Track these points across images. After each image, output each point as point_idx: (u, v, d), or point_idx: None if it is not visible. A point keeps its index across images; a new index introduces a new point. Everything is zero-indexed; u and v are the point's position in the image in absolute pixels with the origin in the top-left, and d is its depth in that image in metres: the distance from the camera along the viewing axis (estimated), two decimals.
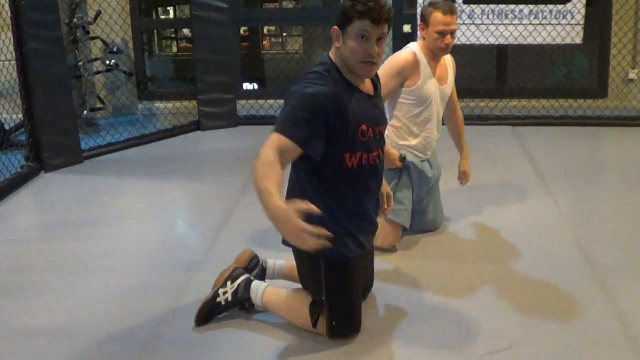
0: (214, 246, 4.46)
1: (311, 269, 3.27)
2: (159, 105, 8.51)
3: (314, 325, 3.26)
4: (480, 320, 3.43)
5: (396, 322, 3.44)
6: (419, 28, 4.24)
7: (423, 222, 4.57)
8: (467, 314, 3.50)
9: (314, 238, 2.65)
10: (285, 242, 3.23)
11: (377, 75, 3.38)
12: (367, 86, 3.25)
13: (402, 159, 4.24)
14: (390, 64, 4.11)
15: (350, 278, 3.26)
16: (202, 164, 6.68)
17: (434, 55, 4.21)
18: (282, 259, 3.70)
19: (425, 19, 4.13)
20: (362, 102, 3.15)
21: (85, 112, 7.59)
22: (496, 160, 6.41)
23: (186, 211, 5.49)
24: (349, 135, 3.08)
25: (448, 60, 4.42)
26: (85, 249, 4.51)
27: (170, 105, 8.40)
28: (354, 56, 3.05)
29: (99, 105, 7.88)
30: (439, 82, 4.28)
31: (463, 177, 4.75)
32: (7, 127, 6.96)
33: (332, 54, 3.16)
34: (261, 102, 8.17)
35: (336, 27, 3.07)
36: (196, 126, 7.84)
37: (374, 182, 3.31)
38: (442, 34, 4.07)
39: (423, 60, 4.18)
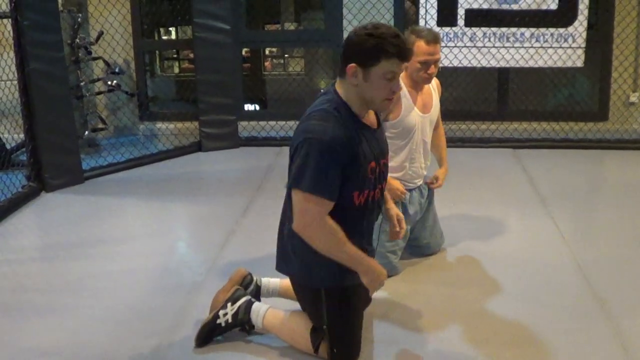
0: (214, 267, 4.45)
1: (311, 298, 3.27)
2: (161, 125, 8.51)
3: (316, 351, 3.26)
4: (477, 345, 3.42)
5: (385, 346, 3.43)
6: None
7: (419, 247, 4.55)
8: (460, 341, 3.49)
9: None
10: (279, 269, 3.32)
11: None
12: (371, 118, 3.22)
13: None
14: None
15: (350, 306, 3.26)
16: (202, 185, 6.67)
17: (416, 84, 4.10)
18: (276, 278, 3.70)
19: None
20: (370, 138, 3.12)
21: (87, 132, 7.59)
22: (496, 183, 6.41)
23: (187, 232, 5.49)
24: (359, 175, 3.06)
25: (432, 84, 4.29)
26: (85, 269, 4.50)
27: (171, 125, 8.40)
28: (378, 95, 3.00)
29: (101, 126, 7.87)
30: (422, 111, 4.17)
31: (434, 181, 4.46)
32: (8, 146, 6.96)
33: (339, 88, 3.09)
34: (262, 123, 8.17)
35: (354, 65, 2.95)
36: (197, 147, 7.84)
37: (375, 216, 3.34)
38: (426, 64, 3.97)
39: (403, 90, 4.04)
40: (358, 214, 3.15)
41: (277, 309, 3.47)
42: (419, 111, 4.14)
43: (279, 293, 3.70)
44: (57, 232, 5.31)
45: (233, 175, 6.94)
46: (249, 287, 3.64)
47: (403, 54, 2.93)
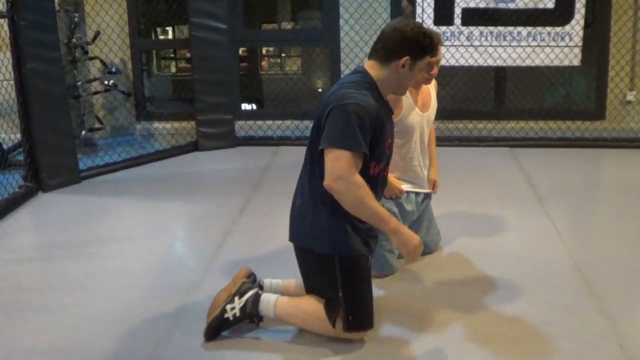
0: (212, 267, 4.45)
1: (326, 267, 3.37)
2: (157, 125, 8.50)
3: (333, 325, 3.37)
4: (475, 343, 3.42)
5: (383, 345, 3.43)
6: None
7: None
8: (458, 339, 3.50)
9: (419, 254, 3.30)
10: (293, 239, 3.51)
11: None
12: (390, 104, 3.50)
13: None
14: None
15: (362, 273, 3.39)
16: (200, 185, 6.67)
17: (417, 84, 4.11)
18: (277, 279, 3.75)
19: None
20: (389, 118, 3.42)
21: (84, 132, 7.58)
22: (494, 182, 6.41)
23: (184, 231, 5.48)
24: (380, 147, 3.30)
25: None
26: (82, 269, 4.50)
27: (168, 125, 8.40)
28: (411, 83, 3.43)
29: (97, 125, 7.87)
30: (422, 109, 4.20)
31: (432, 186, 4.54)
32: (5, 146, 6.96)
33: (372, 70, 3.35)
34: (259, 122, 8.17)
35: (408, 57, 3.26)
36: (194, 146, 7.84)
37: (381, 192, 3.52)
38: (430, 66, 3.96)
39: None
40: (370, 183, 3.26)
41: (286, 297, 3.53)
42: (418, 110, 4.15)
43: (281, 292, 3.71)
44: (54, 232, 5.30)
45: (230, 174, 6.93)
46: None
47: (439, 47, 3.49)
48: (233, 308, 3.46)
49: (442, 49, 7.51)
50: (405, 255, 3.29)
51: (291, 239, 3.52)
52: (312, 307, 3.44)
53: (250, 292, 3.50)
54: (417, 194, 4.33)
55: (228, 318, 3.46)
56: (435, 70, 4.04)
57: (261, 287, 3.70)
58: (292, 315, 3.48)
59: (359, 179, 3.15)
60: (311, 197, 3.35)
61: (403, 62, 3.25)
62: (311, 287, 3.52)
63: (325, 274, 3.38)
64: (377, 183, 3.37)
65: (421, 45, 3.26)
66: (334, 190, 3.15)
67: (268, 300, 3.49)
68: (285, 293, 3.70)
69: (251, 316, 3.49)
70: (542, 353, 3.32)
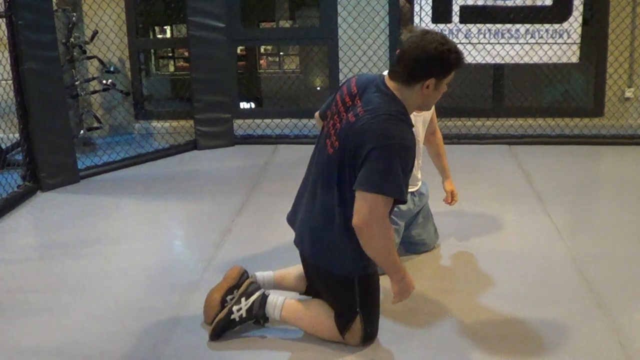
0: (210, 266, 4.45)
1: (345, 287, 3.34)
2: (156, 124, 8.49)
3: (343, 336, 3.38)
4: (474, 341, 3.42)
5: (381, 343, 3.44)
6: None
7: (413, 244, 4.55)
8: (457, 337, 3.50)
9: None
10: (314, 261, 3.42)
11: None
12: None
13: None
14: None
15: (376, 289, 3.42)
16: (198, 184, 6.67)
17: None
18: (269, 270, 3.77)
19: None
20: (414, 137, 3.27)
21: (82, 132, 7.58)
22: (492, 179, 6.41)
23: (183, 230, 5.48)
24: (411, 172, 3.28)
25: None
26: (81, 268, 4.50)
27: (166, 124, 8.39)
28: (436, 100, 3.31)
29: (96, 125, 7.87)
30: (416, 111, 4.19)
31: (451, 197, 4.62)
32: (3, 146, 6.95)
33: (395, 90, 3.19)
34: (258, 121, 8.17)
35: (434, 79, 3.13)
36: (193, 145, 7.84)
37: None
38: None
39: None
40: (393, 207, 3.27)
41: (293, 300, 3.53)
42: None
43: (274, 284, 3.75)
44: (53, 231, 5.30)
45: (229, 173, 6.93)
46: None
47: (461, 64, 3.19)
48: (240, 309, 3.47)
49: None
50: (397, 296, 3.33)
51: (304, 253, 3.48)
52: (320, 314, 3.44)
53: (257, 294, 3.50)
54: (412, 193, 4.33)
55: (234, 319, 3.46)
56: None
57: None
58: (299, 319, 3.48)
59: (390, 227, 3.16)
60: (334, 223, 3.25)
61: (428, 83, 3.14)
62: (327, 300, 3.48)
63: (344, 294, 3.36)
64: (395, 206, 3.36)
65: (448, 64, 3.13)
66: (364, 233, 3.08)
67: (275, 303, 3.49)
68: (278, 283, 3.75)
69: (257, 317, 3.49)
70: (540, 350, 3.32)
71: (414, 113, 4.08)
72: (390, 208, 3.14)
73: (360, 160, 3.07)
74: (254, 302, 3.47)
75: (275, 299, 3.50)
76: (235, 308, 3.46)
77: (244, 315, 3.46)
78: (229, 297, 3.55)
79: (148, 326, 3.63)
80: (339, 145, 3.19)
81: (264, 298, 3.50)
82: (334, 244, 3.27)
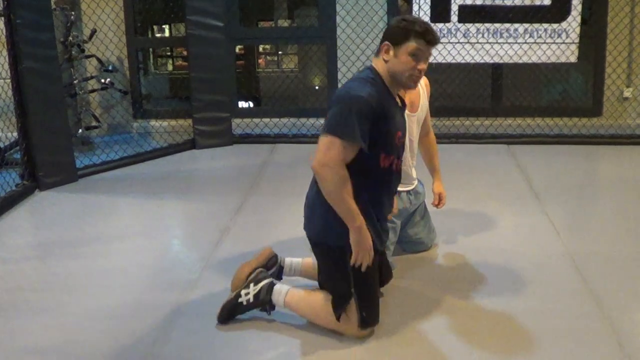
0: (208, 265, 4.44)
1: (338, 261, 3.41)
2: (154, 123, 8.49)
3: (338, 318, 3.43)
4: (472, 340, 3.42)
5: (379, 342, 3.44)
6: None
7: (410, 243, 4.55)
8: (454, 337, 3.50)
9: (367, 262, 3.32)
10: (305, 229, 3.55)
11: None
12: (400, 98, 3.58)
13: None
14: None
15: (372, 269, 3.43)
16: (197, 183, 6.67)
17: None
18: (298, 257, 3.88)
19: None
20: (397, 112, 3.47)
21: (80, 130, 7.58)
22: (490, 178, 6.41)
23: (181, 229, 5.48)
24: (388, 138, 3.36)
25: (421, 82, 4.27)
26: (80, 267, 4.50)
27: (165, 123, 8.39)
28: (404, 70, 3.34)
29: (94, 124, 7.86)
30: (410, 109, 4.17)
31: (439, 199, 4.54)
32: (1, 145, 6.94)
33: (376, 65, 3.42)
34: (256, 120, 8.17)
35: (387, 43, 3.34)
36: (191, 144, 7.84)
37: (395, 187, 3.59)
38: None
39: None
40: (381, 178, 3.40)
41: (298, 289, 3.62)
42: (406, 110, 4.13)
43: (301, 272, 3.91)
44: (51, 230, 5.30)
45: (227, 172, 6.93)
46: (272, 268, 3.83)
47: (430, 36, 3.31)
48: (247, 294, 3.60)
49: (439, 46, 7.64)
50: (354, 253, 3.31)
51: (304, 228, 3.58)
52: (319, 301, 3.52)
53: (265, 281, 3.63)
54: (408, 192, 4.33)
55: (242, 303, 3.60)
56: (422, 66, 4.02)
57: (282, 267, 3.88)
58: (298, 306, 3.58)
59: (344, 172, 3.22)
60: (320, 192, 3.36)
61: (383, 48, 3.37)
62: (324, 280, 3.62)
63: (338, 268, 3.43)
64: (390, 177, 3.48)
65: (398, 30, 3.32)
66: (318, 174, 3.25)
67: (280, 291, 3.60)
68: (304, 271, 3.91)
69: (264, 304, 3.60)
70: (538, 349, 3.33)
71: (407, 112, 4.10)
72: (349, 157, 3.24)
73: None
74: (261, 288, 3.59)
75: (281, 287, 3.62)
76: (243, 292, 3.61)
77: (251, 300, 3.58)
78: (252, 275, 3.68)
79: (146, 325, 3.63)
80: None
81: (271, 285, 3.61)
82: (323, 212, 3.37)
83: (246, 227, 5.18)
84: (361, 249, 3.29)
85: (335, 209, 3.27)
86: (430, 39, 3.31)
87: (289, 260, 3.91)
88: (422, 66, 3.33)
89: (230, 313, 3.61)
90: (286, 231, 3.80)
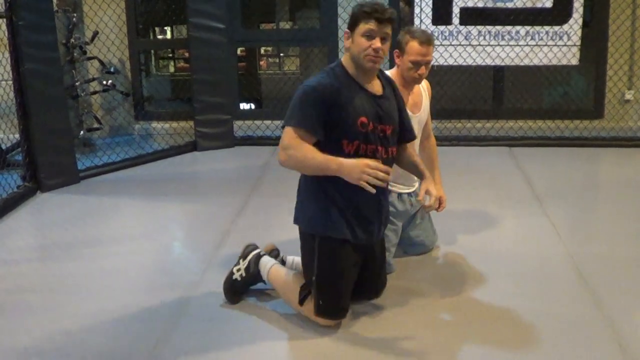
0: (210, 267, 4.44)
1: (308, 247, 3.56)
2: (156, 125, 8.50)
3: (300, 302, 3.56)
4: (473, 343, 3.42)
5: (379, 344, 3.44)
6: (394, 55, 4.16)
7: (411, 245, 4.54)
8: (455, 339, 3.50)
9: (374, 172, 3.23)
10: (296, 221, 3.63)
11: (392, 84, 3.70)
12: (374, 87, 3.55)
13: None
14: None
15: (339, 261, 3.51)
16: (198, 185, 6.67)
17: (407, 84, 4.14)
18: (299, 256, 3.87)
19: (401, 47, 4.08)
20: (365, 99, 3.47)
21: (82, 132, 7.59)
22: (492, 181, 6.41)
23: (182, 231, 5.48)
24: (347, 124, 3.40)
25: (422, 85, 4.34)
26: (81, 269, 4.49)
27: (166, 125, 8.40)
28: (361, 51, 3.39)
29: (96, 125, 7.87)
30: (412, 110, 4.19)
31: (439, 203, 4.32)
32: (3, 146, 6.95)
33: (343, 58, 3.54)
34: (258, 122, 8.18)
35: (347, 30, 3.45)
36: (193, 146, 7.84)
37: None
38: (417, 64, 4.02)
39: None
40: None
41: (280, 267, 3.79)
42: (408, 110, 4.15)
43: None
44: (52, 232, 5.30)
45: (228, 174, 6.93)
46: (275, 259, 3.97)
47: (378, 14, 3.35)
48: (239, 270, 3.84)
49: (441, 49, 7.66)
50: (356, 181, 3.27)
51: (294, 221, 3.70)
52: (292, 284, 3.64)
53: (252, 254, 3.87)
54: (409, 194, 4.33)
55: (236, 279, 3.84)
56: (423, 70, 4.06)
57: (284, 262, 4.00)
58: (276, 283, 3.77)
59: (301, 144, 3.35)
60: (302, 179, 3.58)
61: (345, 36, 3.49)
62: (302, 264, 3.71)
63: (308, 254, 3.57)
64: None
65: (351, 15, 3.42)
66: (281, 161, 3.41)
67: (265, 264, 3.83)
68: None
69: (255, 275, 3.83)
70: (539, 351, 3.32)
71: (409, 112, 4.10)
72: (305, 140, 3.36)
73: None
74: (249, 261, 3.84)
75: (267, 260, 3.85)
76: (235, 269, 3.86)
77: (243, 274, 3.83)
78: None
79: (148, 327, 3.63)
80: None
81: (258, 257, 3.86)
82: (303, 198, 3.57)
83: (247, 229, 5.18)
84: (358, 171, 3.26)
85: (311, 172, 3.43)
86: (378, 17, 3.34)
87: (290, 258, 4.03)
88: (377, 44, 3.36)
89: (232, 292, 3.83)
90: (287, 233, 3.81)
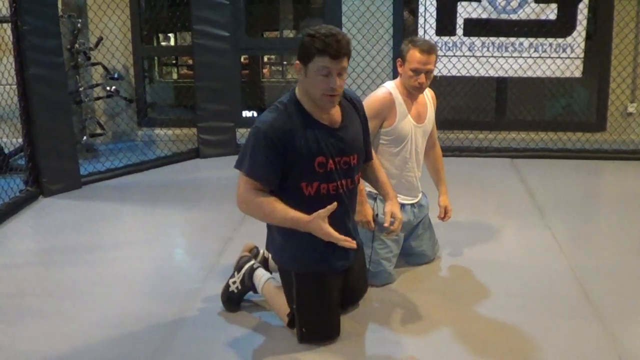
0: (211, 274, 4.44)
1: (285, 279, 3.54)
2: (159, 131, 8.52)
3: (289, 324, 3.52)
4: (474, 354, 3.42)
5: (379, 355, 3.43)
6: (397, 64, 4.17)
7: (413, 256, 4.54)
8: (456, 350, 3.49)
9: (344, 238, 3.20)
10: (267, 248, 3.73)
11: (355, 104, 3.53)
12: (332, 118, 3.37)
13: (375, 217, 4.07)
14: (366, 105, 3.82)
15: (319, 292, 3.46)
16: (200, 192, 6.67)
17: (410, 93, 4.15)
18: None
19: (402, 56, 4.09)
20: (323, 135, 3.30)
21: (85, 138, 7.60)
22: (494, 192, 6.42)
23: (184, 238, 5.48)
24: (304, 166, 3.28)
25: (427, 95, 4.34)
26: (82, 274, 4.49)
27: (169, 132, 8.41)
28: (317, 90, 3.19)
29: (99, 131, 7.89)
30: (416, 120, 4.20)
31: (445, 213, 4.54)
32: (6, 151, 6.96)
33: (297, 88, 3.35)
34: None
35: (298, 62, 3.22)
36: (195, 153, 7.85)
37: (338, 210, 3.28)
38: (417, 72, 4.02)
39: (398, 98, 4.12)
40: (313, 203, 3.26)
41: (274, 282, 3.76)
42: (412, 120, 4.16)
43: None
44: (54, 237, 5.30)
45: (231, 182, 6.82)
46: (256, 257, 4.08)
47: (332, 51, 3.09)
48: (235, 282, 3.85)
49: (444, 59, 7.67)
50: (326, 237, 3.21)
51: (266, 248, 3.80)
52: (283, 304, 3.58)
53: (246, 266, 3.87)
54: (412, 205, 4.34)
55: (233, 291, 3.84)
56: (423, 79, 4.05)
57: (266, 259, 4.06)
58: (269, 298, 3.73)
59: (262, 197, 3.27)
60: None
61: (296, 68, 3.25)
62: None
63: (286, 284, 3.55)
64: (320, 203, 3.24)
65: (302, 48, 3.16)
66: (241, 210, 3.40)
67: (260, 277, 3.79)
68: None
69: (250, 288, 3.82)
70: None
71: (413, 122, 4.12)
72: (259, 188, 3.29)
73: None
74: (244, 274, 3.84)
75: (261, 274, 3.82)
76: (231, 281, 3.87)
77: (239, 287, 3.83)
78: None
79: (148, 333, 3.63)
80: None
81: (252, 270, 3.84)
82: (276, 235, 3.50)
83: (249, 237, 5.15)
84: (325, 234, 3.19)
85: (283, 225, 3.32)
86: (334, 53, 3.10)
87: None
88: (334, 83, 3.14)
89: (230, 302, 3.85)
90: None
